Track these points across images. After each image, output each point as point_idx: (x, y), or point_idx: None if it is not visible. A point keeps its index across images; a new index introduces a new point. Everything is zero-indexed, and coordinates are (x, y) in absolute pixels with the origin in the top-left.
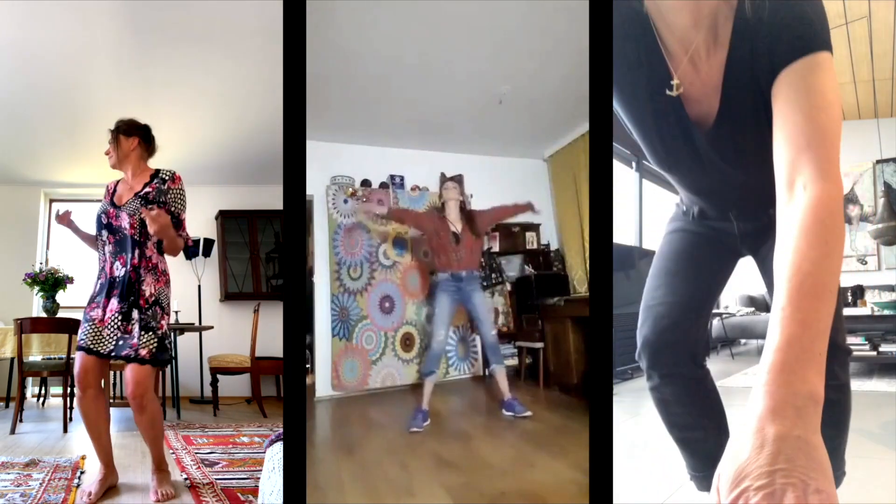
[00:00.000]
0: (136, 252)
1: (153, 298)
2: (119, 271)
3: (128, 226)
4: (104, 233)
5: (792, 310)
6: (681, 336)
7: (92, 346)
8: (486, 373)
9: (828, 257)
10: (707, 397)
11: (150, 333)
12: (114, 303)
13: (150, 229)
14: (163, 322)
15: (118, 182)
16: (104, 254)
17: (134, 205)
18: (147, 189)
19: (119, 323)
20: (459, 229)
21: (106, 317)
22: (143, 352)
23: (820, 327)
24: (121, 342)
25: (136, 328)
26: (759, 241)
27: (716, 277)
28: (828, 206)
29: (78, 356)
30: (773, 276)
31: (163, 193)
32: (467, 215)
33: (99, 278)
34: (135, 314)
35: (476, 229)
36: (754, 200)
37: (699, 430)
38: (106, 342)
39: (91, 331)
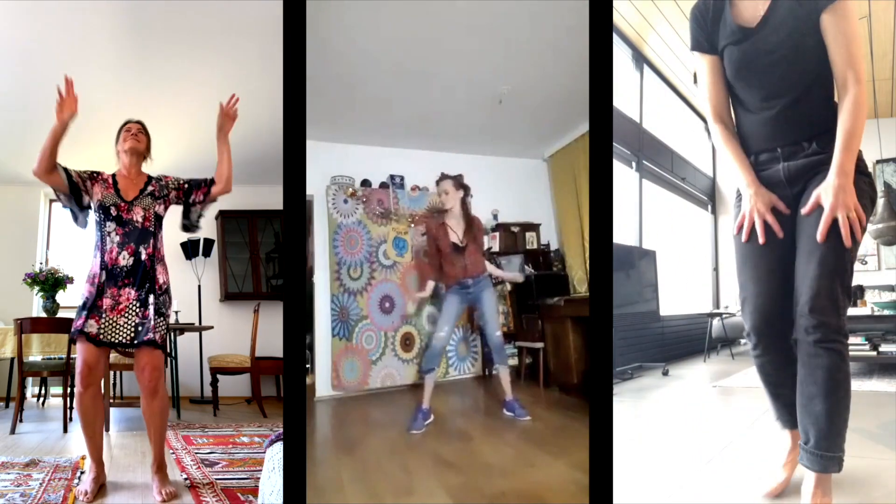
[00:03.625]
0: (151, 242)
1: (165, 286)
2: (126, 261)
3: (142, 219)
4: (110, 224)
5: (840, 162)
6: (776, 319)
7: (107, 338)
8: (487, 372)
9: (858, 121)
10: (793, 363)
11: (162, 319)
12: (129, 292)
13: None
14: (170, 311)
15: (114, 176)
16: (105, 243)
17: (147, 200)
18: (150, 188)
19: (136, 310)
20: (461, 236)
21: (121, 305)
22: (158, 336)
23: (850, 170)
24: (139, 328)
25: (151, 312)
26: (803, 181)
27: (788, 254)
28: (859, 99)
29: (82, 350)
30: (804, 228)
31: (164, 188)
32: (468, 219)
33: (102, 268)
34: (150, 299)
35: (477, 237)
36: (795, 128)
37: (788, 386)
38: (123, 331)
39: (106, 322)
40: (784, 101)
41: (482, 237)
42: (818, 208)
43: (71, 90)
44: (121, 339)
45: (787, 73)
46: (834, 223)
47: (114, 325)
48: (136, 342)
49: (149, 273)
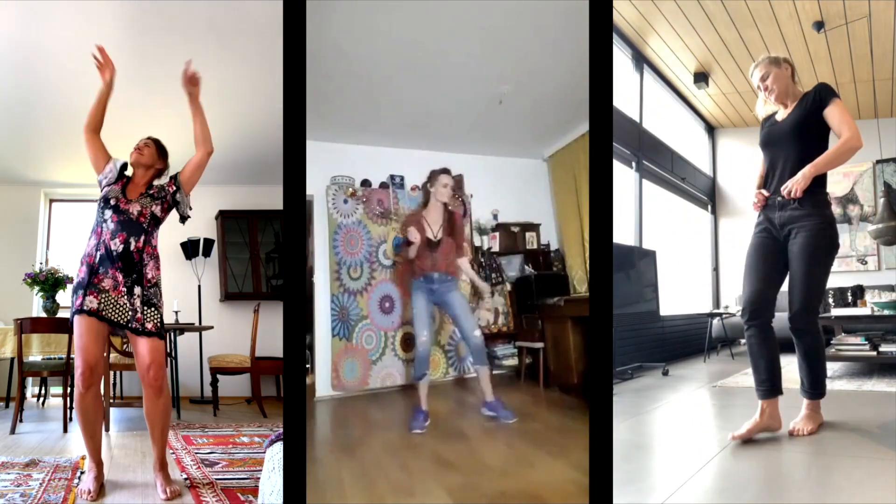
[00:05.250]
0: (143, 238)
1: (154, 281)
2: (117, 247)
3: (137, 213)
4: (108, 212)
5: (813, 165)
6: (761, 306)
7: (107, 314)
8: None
9: (839, 153)
10: (769, 340)
11: (153, 309)
12: (119, 276)
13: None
14: (162, 302)
15: (128, 178)
16: (104, 229)
17: (145, 200)
18: (151, 191)
19: (125, 297)
20: (436, 232)
21: (119, 287)
22: (149, 325)
23: (814, 170)
24: (130, 314)
25: (137, 303)
26: (788, 230)
27: (776, 267)
28: (849, 142)
29: (82, 347)
30: (799, 264)
31: (162, 190)
32: (450, 219)
33: (98, 249)
34: (136, 290)
35: (455, 234)
36: (786, 179)
37: (765, 360)
38: (121, 312)
39: (105, 299)
40: (784, 163)
41: (461, 236)
42: (797, 255)
43: (105, 54)
44: (119, 318)
45: (790, 142)
46: (820, 260)
47: (114, 303)
48: (130, 327)
49: (136, 265)
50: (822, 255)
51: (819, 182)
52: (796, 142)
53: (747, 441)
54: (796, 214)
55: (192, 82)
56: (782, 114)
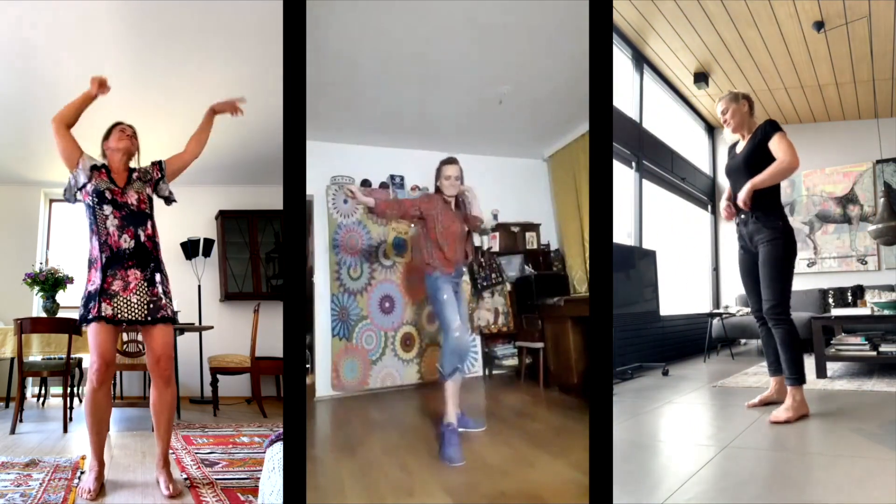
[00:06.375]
0: (149, 224)
1: (163, 266)
2: (127, 243)
3: (136, 202)
4: (107, 207)
5: (752, 182)
6: (762, 311)
7: (122, 317)
8: (487, 372)
9: (776, 172)
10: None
11: (167, 297)
12: (135, 272)
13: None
14: (170, 287)
15: (103, 168)
16: (105, 228)
17: (137, 184)
18: (135, 175)
19: (146, 289)
20: (461, 223)
21: (131, 285)
22: (169, 312)
23: (752, 187)
24: (151, 306)
25: (160, 290)
26: (755, 242)
27: (757, 276)
28: (783, 165)
29: (98, 344)
30: (763, 270)
31: (146, 173)
32: (465, 208)
33: (103, 251)
34: (157, 278)
35: (471, 222)
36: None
37: (771, 346)
38: (136, 310)
39: (118, 303)
40: (741, 185)
41: (476, 219)
42: (762, 263)
43: (106, 81)
44: (136, 316)
45: (743, 173)
46: (780, 264)
47: (127, 303)
48: (150, 319)
49: (150, 253)
50: (782, 261)
51: (773, 198)
52: (747, 172)
53: (747, 441)
54: (756, 228)
55: (231, 110)
56: (740, 145)
